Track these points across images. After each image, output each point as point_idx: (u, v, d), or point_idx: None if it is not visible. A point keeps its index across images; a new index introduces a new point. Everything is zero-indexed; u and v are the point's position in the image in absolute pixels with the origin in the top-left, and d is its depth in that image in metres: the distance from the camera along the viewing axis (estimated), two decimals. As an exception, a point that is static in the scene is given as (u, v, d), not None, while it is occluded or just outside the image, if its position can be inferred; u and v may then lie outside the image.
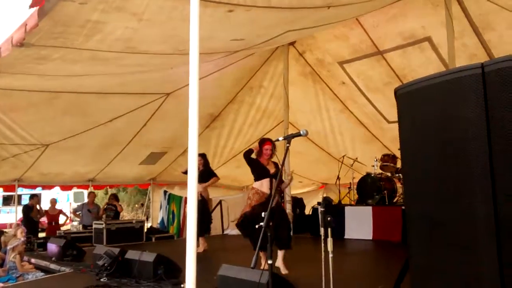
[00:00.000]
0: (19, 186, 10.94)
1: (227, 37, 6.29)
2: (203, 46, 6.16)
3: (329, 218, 3.42)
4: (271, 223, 2.87)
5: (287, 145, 3.35)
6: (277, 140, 3.73)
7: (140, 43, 5.67)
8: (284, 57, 9.97)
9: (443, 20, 6.92)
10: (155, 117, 10.07)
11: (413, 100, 2.55)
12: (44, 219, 11.21)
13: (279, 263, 5.38)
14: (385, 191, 8.73)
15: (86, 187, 12.13)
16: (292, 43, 9.68)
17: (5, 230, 9.59)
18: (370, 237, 8.26)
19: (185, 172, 2.50)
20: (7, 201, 18.64)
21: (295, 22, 6.42)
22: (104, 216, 10.29)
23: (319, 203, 9.49)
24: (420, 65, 8.39)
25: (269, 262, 2.86)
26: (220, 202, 11.17)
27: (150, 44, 5.85)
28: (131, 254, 5.75)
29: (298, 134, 3.44)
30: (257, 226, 2.87)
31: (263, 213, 2.88)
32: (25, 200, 11.85)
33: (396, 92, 2.65)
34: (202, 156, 7.72)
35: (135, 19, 4.83)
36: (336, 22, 7.62)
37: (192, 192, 2.33)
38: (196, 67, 2.34)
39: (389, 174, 9.24)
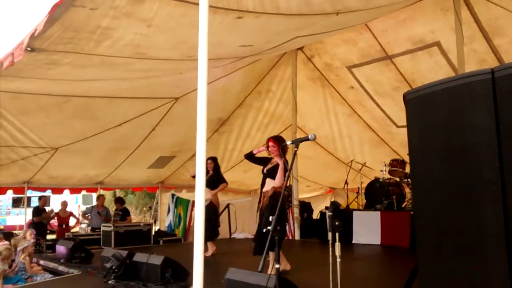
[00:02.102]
0: (28, 188, 11.04)
1: (236, 43, 6.32)
2: (212, 52, 6.19)
3: (337, 223, 3.41)
4: (278, 227, 2.87)
5: (295, 149, 3.35)
6: (285, 144, 3.74)
7: (149, 49, 5.71)
8: (293, 61, 9.99)
9: (452, 25, 6.91)
10: (164, 121, 10.13)
11: (422, 105, 2.54)
12: (54, 221, 11.29)
13: None
14: (393, 196, 8.67)
15: (95, 190, 12.20)
16: (300, 48, 9.70)
17: (14, 231, 9.68)
18: (378, 242, 8.20)
19: (194, 176, 2.52)
20: (16, 203, 18.82)
21: (304, 28, 6.43)
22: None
23: (327, 208, 9.46)
24: (429, 70, 8.36)
25: (276, 266, 2.86)
26: (227, 206, 11.18)
27: (159, 50, 5.89)
28: (139, 257, 5.77)
29: (306, 139, 3.44)
30: (264, 231, 2.87)
31: (270, 217, 2.89)
32: (35, 202, 11.94)
33: (405, 97, 2.64)
34: (213, 160, 7.69)
35: (144, 25, 4.87)
36: (345, 28, 7.62)
37: (199, 196, 2.34)
38: (204, 73, 2.36)
39: (397, 179, 9.19)
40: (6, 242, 7.00)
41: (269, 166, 5.75)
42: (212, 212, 7.47)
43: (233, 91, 10.36)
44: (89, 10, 4.32)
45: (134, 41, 5.34)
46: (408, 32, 7.98)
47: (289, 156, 5.52)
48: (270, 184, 5.63)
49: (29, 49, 4.79)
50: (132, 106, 9.14)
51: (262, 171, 5.86)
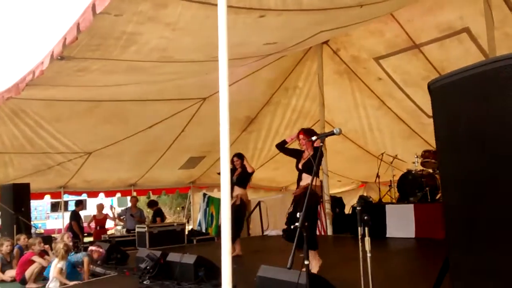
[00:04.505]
0: (64, 192, 11.40)
1: (259, 42, 6.32)
2: (236, 52, 6.24)
3: (366, 217, 3.37)
4: (306, 223, 2.87)
5: (321, 144, 3.34)
6: (311, 140, 3.72)
7: (175, 52, 5.77)
8: (318, 56, 9.91)
9: (481, 9, 6.69)
10: (193, 122, 10.25)
11: (447, 94, 2.46)
12: (91, 224, 11.62)
13: None
14: (427, 188, 8.51)
15: (129, 192, 12.47)
16: (325, 42, 9.61)
17: (53, 235, 10.00)
18: (413, 235, 8.06)
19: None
20: (55, 207, 19.47)
21: (328, 23, 6.37)
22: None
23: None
24: (459, 57, 8.13)
25: (306, 262, 2.86)
26: (259, 203, 11.22)
27: (184, 52, 5.95)
28: (172, 257, 5.87)
29: (331, 133, 3.41)
30: (292, 227, 2.88)
31: (298, 214, 2.89)
32: (72, 206, 12.31)
33: (429, 86, 2.57)
34: (239, 157, 7.64)
35: (169, 29, 4.92)
36: (370, 20, 7.51)
37: (225, 194, 2.37)
38: (225, 73, 2.38)
39: (430, 171, 9.00)
40: (46, 246, 7.24)
41: (303, 161, 5.69)
42: (240, 211, 7.48)
43: (259, 89, 10.38)
44: (114, 16, 4.39)
45: (159, 45, 5.41)
46: (436, 19, 7.79)
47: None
48: (307, 179, 5.57)
49: (59, 57, 4.93)
50: (161, 108, 9.29)
51: (297, 167, 5.78)
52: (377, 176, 9.95)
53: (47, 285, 6.24)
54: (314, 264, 5.44)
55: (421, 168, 9.05)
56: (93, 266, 6.95)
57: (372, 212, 8.73)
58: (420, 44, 8.46)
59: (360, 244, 3.48)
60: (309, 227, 5.23)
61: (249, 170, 7.48)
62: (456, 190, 2.42)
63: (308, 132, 5.58)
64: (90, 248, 7.42)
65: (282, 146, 5.98)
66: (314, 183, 3.27)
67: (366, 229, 3.35)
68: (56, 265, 6.19)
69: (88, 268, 6.55)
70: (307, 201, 2.91)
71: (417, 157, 9.09)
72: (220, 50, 2.44)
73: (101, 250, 7.37)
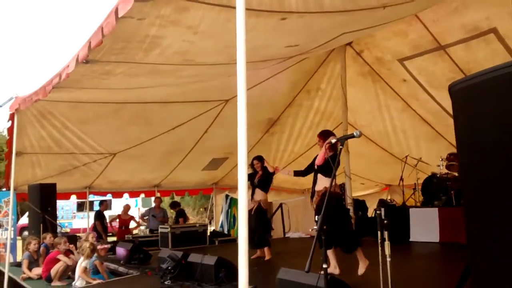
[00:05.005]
0: (90, 193, 11.63)
1: (281, 44, 6.31)
2: (258, 54, 6.26)
3: (385, 221, 3.33)
4: (324, 227, 2.85)
5: (340, 146, 3.32)
6: (330, 142, 3.71)
7: (197, 55, 5.82)
8: (341, 57, 9.82)
9: (509, 9, 6.53)
10: (215, 123, 10.31)
11: (469, 96, 2.41)
12: (115, 224, 11.83)
13: None
14: (452, 192, 8.36)
15: (153, 193, 12.64)
16: (349, 43, 9.53)
17: (78, 234, 10.22)
18: (437, 240, 7.93)
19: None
20: (81, 207, 19.92)
21: (351, 24, 6.31)
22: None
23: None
24: (486, 59, 7.95)
25: (324, 266, 2.85)
26: (280, 205, 11.21)
27: (206, 55, 5.99)
28: (193, 257, 5.92)
29: (351, 136, 3.39)
30: (310, 230, 2.87)
31: (316, 217, 2.87)
32: (97, 207, 12.57)
33: (450, 88, 2.53)
34: (259, 159, 7.64)
35: (191, 32, 4.96)
36: (394, 21, 7.41)
37: (242, 195, 2.38)
38: (243, 77, 2.40)
39: (456, 174, 8.83)
40: (71, 245, 7.39)
41: (318, 163, 5.70)
42: (262, 216, 7.48)
43: (282, 91, 10.36)
44: (137, 20, 4.47)
45: (181, 49, 5.46)
46: (462, 20, 7.62)
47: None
48: (322, 181, 5.57)
49: (84, 61, 5.04)
50: (184, 110, 9.38)
51: (314, 166, 5.83)
52: (401, 179, 9.82)
53: (73, 283, 6.39)
54: (361, 265, 5.38)
55: (446, 171, 8.89)
56: (105, 264, 7.06)
57: (395, 216, 8.66)
58: (445, 45, 8.30)
59: (379, 248, 3.44)
60: (341, 227, 5.24)
61: (271, 170, 7.47)
62: (477, 194, 2.37)
63: (322, 134, 5.59)
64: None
65: (301, 172, 6.05)
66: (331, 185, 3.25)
67: (386, 233, 3.31)
68: (80, 264, 6.33)
69: (103, 269, 6.68)
70: (325, 205, 2.90)
71: (442, 160, 8.94)
72: (238, 52, 2.45)
73: (105, 246, 7.47)
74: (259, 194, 7.44)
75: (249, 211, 7.46)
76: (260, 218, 7.41)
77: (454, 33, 7.96)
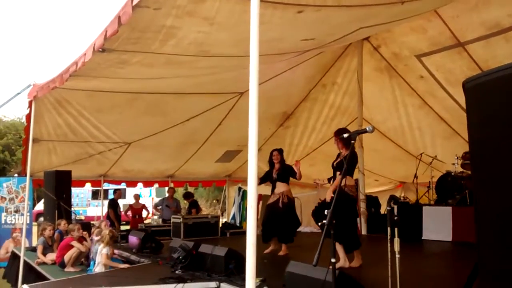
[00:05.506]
0: (104, 181, 11.78)
1: (297, 37, 6.27)
2: (274, 47, 6.22)
3: (395, 218, 3.32)
4: (334, 221, 2.85)
5: (352, 142, 3.30)
6: (342, 137, 3.69)
7: (212, 46, 5.82)
8: (358, 52, 9.74)
9: (533, 6, 6.41)
10: (230, 116, 10.33)
11: (484, 92, 2.38)
12: (128, 213, 11.98)
13: None
14: (466, 191, 8.25)
15: (167, 183, 12.75)
16: (366, 38, 9.44)
17: (92, 222, 10.38)
18: (450, 239, 7.84)
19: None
20: (95, 195, 20.23)
21: (368, 19, 6.24)
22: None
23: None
24: (506, 56, 7.79)
25: (332, 260, 2.85)
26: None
27: (222, 47, 5.99)
28: (204, 248, 5.96)
29: (364, 131, 3.37)
30: (319, 224, 2.87)
31: (325, 211, 2.87)
32: (111, 195, 12.75)
33: (464, 84, 2.49)
34: (279, 152, 7.55)
35: (206, 23, 4.96)
36: (412, 17, 7.31)
37: (251, 189, 2.39)
38: (255, 68, 2.40)
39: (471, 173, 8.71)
40: (85, 232, 7.51)
41: (338, 160, 5.82)
42: (291, 210, 7.41)
43: (297, 85, 10.32)
44: (153, 10, 4.48)
45: (197, 40, 5.47)
46: (482, 16, 7.49)
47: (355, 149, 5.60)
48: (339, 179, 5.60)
49: (100, 50, 5.08)
50: (199, 101, 9.41)
51: (332, 165, 5.91)
52: (415, 176, 9.72)
53: (93, 268, 6.55)
54: (354, 262, 5.46)
55: (461, 169, 8.78)
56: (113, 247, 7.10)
57: (408, 214, 8.58)
58: (464, 42, 8.16)
59: (389, 245, 3.43)
60: (345, 226, 5.25)
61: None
62: (489, 193, 2.34)
63: (340, 132, 5.60)
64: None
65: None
66: (344, 182, 3.24)
67: (396, 229, 3.29)
68: (101, 251, 6.47)
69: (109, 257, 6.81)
70: (335, 200, 2.90)
71: (457, 158, 8.82)
72: (251, 45, 2.45)
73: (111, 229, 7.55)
74: (280, 187, 7.37)
75: (271, 205, 7.44)
76: (290, 213, 7.35)
77: (474, 29, 7.82)
